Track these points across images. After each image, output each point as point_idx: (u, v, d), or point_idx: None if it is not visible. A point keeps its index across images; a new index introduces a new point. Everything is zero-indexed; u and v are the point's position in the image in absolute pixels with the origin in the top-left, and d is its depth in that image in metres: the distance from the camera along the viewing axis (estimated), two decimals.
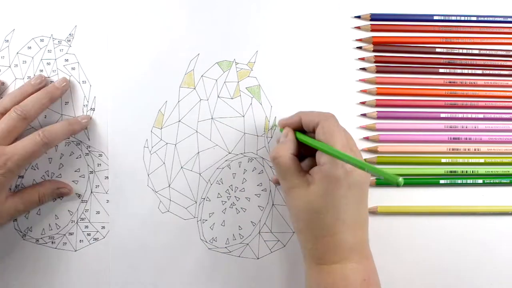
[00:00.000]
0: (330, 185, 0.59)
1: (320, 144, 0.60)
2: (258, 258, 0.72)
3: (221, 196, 0.71)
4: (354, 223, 0.60)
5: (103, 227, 0.71)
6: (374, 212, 0.72)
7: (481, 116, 0.72)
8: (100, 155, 0.70)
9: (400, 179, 0.50)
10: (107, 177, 0.71)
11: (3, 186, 0.63)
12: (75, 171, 0.70)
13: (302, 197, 0.60)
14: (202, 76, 0.71)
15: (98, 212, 0.71)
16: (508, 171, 0.72)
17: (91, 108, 0.70)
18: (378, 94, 0.72)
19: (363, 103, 0.72)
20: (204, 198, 0.71)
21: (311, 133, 0.63)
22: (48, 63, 0.70)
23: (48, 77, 0.70)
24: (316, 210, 0.60)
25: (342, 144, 0.60)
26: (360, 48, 0.72)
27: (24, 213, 0.69)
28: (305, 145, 0.63)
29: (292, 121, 0.65)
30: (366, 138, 0.72)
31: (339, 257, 0.60)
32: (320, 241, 0.60)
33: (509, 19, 0.73)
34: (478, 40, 0.72)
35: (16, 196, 0.67)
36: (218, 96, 0.71)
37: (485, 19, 0.72)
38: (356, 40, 0.72)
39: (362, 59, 0.72)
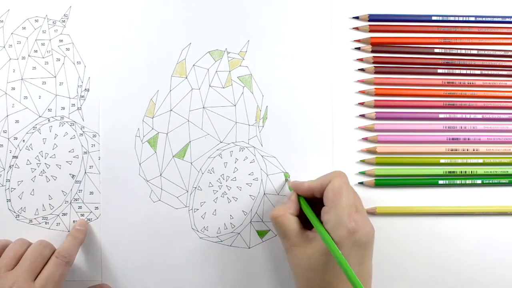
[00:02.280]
0: None
1: (315, 220, 0.61)
2: (249, 248, 0.71)
3: (213, 185, 0.71)
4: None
5: (97, 207, 0.71)
6: (373, 212, 0.71)
7: (479, 116, 0.72)
8: (94, 136, 0.71)
9: None
10: (100, 156, 0.71)
11: None
12: (69, 151, 0.71)
13: (302, 255, 0.61)
14: (193, 65, 0.72)
15: (91, 193, 0.71)
16: (507, 171, 0.72)
17: (85, 89, 0.71)
18: (376, 94, 0.72)
19: (361, 103, 0.72)
20: (196, 187, 0.71)
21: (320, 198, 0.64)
22: (43, 44, 0.71)
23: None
24: (316, 268, 0.60)
25: (348, 202, 0.60)
26: (358, 49, 0.72)
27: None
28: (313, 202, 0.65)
29: (303, 187, 0.65)
30: (365, 139, 0.72)
31: None
32: None
33: (507, 19, 0.72)
34: (477, 41, 0.72)
35: None
36: (209, 85, 0.72)
37: (484, 19, 0.72)
38: (355, 40, 0.72)
39: (361, 59, 0.72)
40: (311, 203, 0.65)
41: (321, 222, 0.61)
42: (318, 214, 0.62)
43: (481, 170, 0.72)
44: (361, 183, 0.72)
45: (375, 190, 0.72)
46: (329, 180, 0.62)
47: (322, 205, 0.62)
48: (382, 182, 0.72)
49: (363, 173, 0.72)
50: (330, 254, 0.59)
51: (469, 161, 0.72)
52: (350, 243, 0.58)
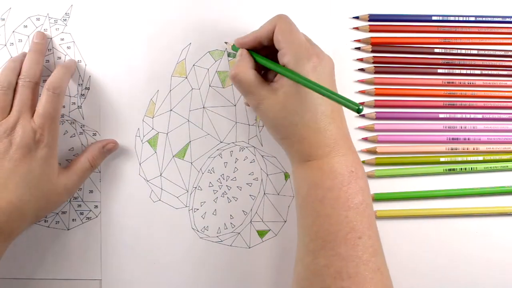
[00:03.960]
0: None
1: (275, 65, 0.61)
2: (249, 247, 0.71)
3: (213, 185, 0.71)
4: (331, 115, 0.60)
5: (96, 206, 0.71)
6: None
7: (479, 116, 0.72)
8: (94, 134, 0.71)
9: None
10: None
11: (51, 155, 0.65)
12: (69, 150, 0.71)
13: (274, 105, 0.60)
14: (193, 65, 0.72)
15: (91, 191, 0.71)
16: (507, 166, 0.72)
17: (86, 87, 0.71)
18: (376, 94, 0.72)
19: (361, 103, 0.72)
20: (196, 187, 0.71)
21: (270, 45, 0.63)
22: None
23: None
24: (293, 111, 0.59)
25: (301, 38, 0.61)
26: (358, 48, 0.72)
27: (80, 185, 0.69)
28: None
29: (248, 39, 0.64)
30: (365, 139, 0.72)
31: (326, 150, 0.59)
32: (305, 140, 0.60)
33: (507, 19, 0.73)
34: (477, 41, 0.72)
35: (68, 170, 0.67)
36: (209, 85, 0.72)
37: (484, 19, 0.72)
38: (355, 40, 0.72)
39: (361, 59, 0.72)
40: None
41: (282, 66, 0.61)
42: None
43: (481, 166, 0.71)
44: None
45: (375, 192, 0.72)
46: (274, 24, 0.61)
47: (273, 55, 0.62)
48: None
49: None
50: (301, 93, 0.59)
51: (469, 158, 0.72)
52: (316, 76, 0.59)
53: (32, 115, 0.64)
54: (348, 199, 0.58)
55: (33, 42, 0.69)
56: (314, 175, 0.59)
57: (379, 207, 0.71)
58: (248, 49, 0.64)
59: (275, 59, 0.62)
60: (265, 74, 0.65)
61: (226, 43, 0.71)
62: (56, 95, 0.65)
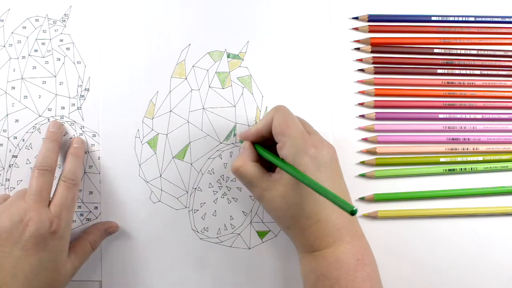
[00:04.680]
0: None
1: (276, 159, 0.61)
2: (249, 248, 0.71)
3: (213, 186, 0.71)
4: (332, 205, 0.58)
5: (96, 207, 0.71)
6: (375, 216, 0.71)
7: (479, 116, 0.72)
8: (94, 136, 0.71)
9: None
10: (100, 157, 0.71)
11: (63, 247, 0.64)
12: None
13: (276, 197, 0.60)
14: (193, 66, 0.72)
15: (91, 193, 0.71)
16: (507, 166, 0.72)
17: (85, 89, 0.71)
18: (376, 95, 0.72)
19: (361, 104, 0.72)
20: (196, 188, 0.71)
21: (272, 137, 0.63)
22: (43, 43, 0.71)
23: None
24: (293, 204, 0.60)
25: (298, 129, 0.61)
26: (358, 49, 0.72)
27: (80, 266, 0.67)
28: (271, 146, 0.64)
29: (249, 134, 0.65)
30: (365, 139, 0.72)
31: (329, 241, 0.59)
32: (307, 231, 0.60)
33: (507, 19, 0.73)
34: (476, 41, 0.72)
35: (71, 256, 0.66)
36: (209, 86, 0.72)
37: (483, 19, 0.73)
38: (354, 41, 0.72)
39: (360, 60, 0.72)
40: (266, 147, 0.64)
41: (282, 160, 0.61)
42: (276, 154, 0.62)
43: (481, 166, 0.71)
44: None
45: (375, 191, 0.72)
46: (271, 117, 0.62)
47: (274, 146, 0.63)
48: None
49: (363, 175, 0.72)
50: (301, 185, 0.59)
51: (469, 159, 0.71)
52: (315, 167, 0.59)
53: (48, 204, 0.63)
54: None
55: (49, 131, 0.69)
56: (320, 266, 0.59)
57: (380, 207, 0.71)
58: (252, 141, 0.65)
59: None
60: (270, 163, 0.64)
61: (235, 135, 0.72)
62: (73, 186, 0.65)
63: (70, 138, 0.71)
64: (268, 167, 0.64)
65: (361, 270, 0.59)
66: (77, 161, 0.68)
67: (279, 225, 0.64)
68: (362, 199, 0.71)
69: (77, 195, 0.66)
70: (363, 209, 0.71)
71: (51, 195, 0.64)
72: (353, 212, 0.50)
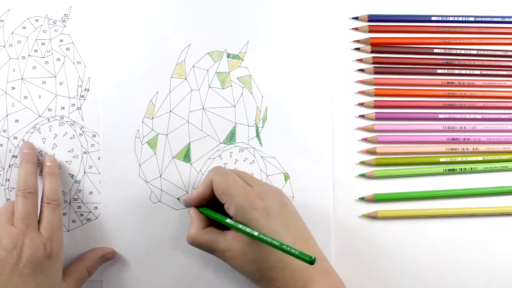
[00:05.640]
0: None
1: (224, 220, 0.62)
2: None
3: None
4: (295, 244, 0.59)
5: (96, 207, 0.71)
6: (374, 216, 0.71)
7: (479, 116, 0.72)
8: (94, 136, 0.71)
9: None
10: (100, 157, 0.71)
11: (58, 269, 0.63)
12: (69, 151, 0.71)
13: (237, 256, 0.61)
14: (193, 66, 0.72)
15: (91, 193, 0.71)
16: (507, 166, 0.72)
17: (85, 89, 0.71)
18: (376, 95, 0.72)
19: (361, 104, 0.72)
20: (196, 188, 0.70)
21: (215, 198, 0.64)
22: (43, 43, 0.71)
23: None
24: (255, 258, 0.60)
25: (238, 188, 0.62)
26: (358, 49, 0.72)
27: None
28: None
29: (191, 198, 0.66)
30: (365, 139, 0.72)
31: (300, 284, 0.60)
32: (276, 280, 0.60)
33: (507, 19, 0.73)
34: (476, 41, 0.73)
35: (67, 279, 0.65)
36: (209, 86, 0.72)
37: (483, 19, 0.73)
38: (354, 41, 0.72)
39: (360, 60, 0.72)
40: (214, 205, 0.65)
41: (231, 219, 0.62)
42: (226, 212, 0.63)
43: (480, 166, 0.71)
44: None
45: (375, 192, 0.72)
46: (210, 178, 0.63)
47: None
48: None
49: (363, 175, 0.72)
50: (255, 242, 0.60)
51: (469, 159, 0.72)
52: (265, 219, 0.60)
53: (37, 228, 0.63)
54: None
55: (23, 153, 0.68)
56: None
57: (380, 207, 0.71)
58: (197, 206, 0.66)
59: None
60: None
61: (178, 199, 0.72)
62: (57, 206, 0.65)
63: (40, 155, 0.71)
64: (219, 225, 0.64)
65: None
66: (55, 180, 0.68)
67: (250, 279, 0.63)
68: (362, 199, 0.71)
69: (62, 213, 0.66)
70: (363, 209, 0.71)
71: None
72: (312, 262, 0.51)
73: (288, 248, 0.54)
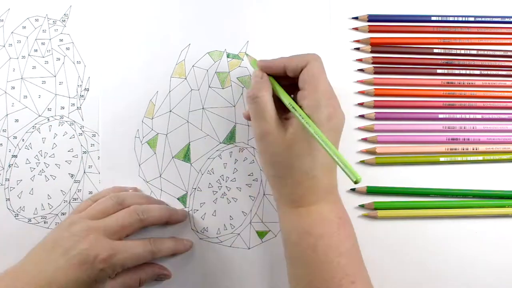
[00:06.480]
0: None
1: (292, 104, 0.59)
2: (249, 248, 0.71)
3: (212, 186, 0.71)
4: (329, 166, 0.60)
5: None
6: (374, 217, 0.71)
7: (479, 116, 0.72)
8: (94, 135, 0.71)
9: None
10: (100, 157, 0.71)
11: (103, 281, 0.62)
12: (68, 151, 0.71)
13: (280, 143, 0.59)
14: (193, 66, 0.72)
15: (90, 192, 0.71)
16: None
17: (85, 88, 0.71)
18: (376, 95, 0.72)
19: (361, 104, 0.72)
20: (195, 188, 0.71)
21: (295, 77, 0.62)
22: (43, 43, 0.71)
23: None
24: (296, 155, 0.59)
25: (326, 87, 0.60)
26: (358, 49, 0.72)
27: None
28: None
29: (274, 65, 0.63)
30: (365, 139, 0.72)
31: (316, 198, 0.59)
32: (298, 185, 0.60)
33: (506, 19, 0.73)
34: (476, 41, 0.73)
35: (117, 281, 0.64)
36: (209, 86, 0.72)
37: (483, 19, 0.73)
38: (354, 41, 0.72)
39: (360, 60, 0.72)
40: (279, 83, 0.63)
41: (299, 107, 0.60)
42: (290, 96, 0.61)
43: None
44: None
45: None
46: (306, 62, 0.60)
47: (292, 87, 0.62)
48: (375, 190, 0.72)
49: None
50: (309, 139, 0.58)
51: (468, 158, 0.71)
52: (327, 128, 0.58)
53: (115, 238, 0.62)
54: (339, 245, 0.58)
55: (175, 210, 0.70)
56: (304, 222, 0.59)
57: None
58: (269, 74, 0.63)
59: (291, 91, 0.62)
60: (277, 104, 0.62)
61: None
62: (150, 251, 0.65)
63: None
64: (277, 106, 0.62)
65: (343, 229, 0.59)
66: (169, 240, 0.68)
67: (269, 171, 0.62)
68: (362, 206, 0.71)
69: (148, 260, 0.65)
70: (362, 209, 0.71)
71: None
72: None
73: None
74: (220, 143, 0.71)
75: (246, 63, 0.72)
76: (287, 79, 0.63)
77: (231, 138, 0.71)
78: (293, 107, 0.59)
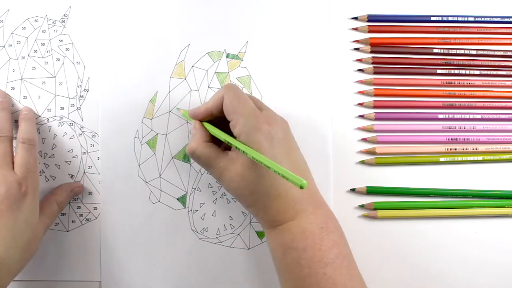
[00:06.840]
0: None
1: (229, 138, 0.60)
2: (249, 248, 0.71)
3: (212, 186, 0.71)
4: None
5: (95, 207, 0.71)
6: (374, 217, 0.71)
7: (479, 116, 0.72)
8: (93, 136, 0.71)
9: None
10: (100, 157, 0.72)
11: (35, 208, 0.64)
12: (68, 151, 0.71)
13: (234, 176, 0.60)
14: (192, 66, 0.72)
15: (90, 193, 0.71)
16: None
17: (85, 89, 0.71)
18: (376, 95, 0.72)
19: (361, 104, 0.72)
20: (195, 189, 0.71)
21: (222, 116, 0.63)
22: (43, 44, 0.71)
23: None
24: (252, 182, 0.59)
25: (250, 107, 0.61)
26: (357, 49, 0.72)
27: (50, 226, 0.69)
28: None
29: (199, 112, 0.64)
30: (364, 139, 0.72)
31: (292, 214, 0.59)
32: (268, 208, 0.60)
33: (506, 19, 0.73)
34: (476, 41, 0.73)
35: (40, 215, 0.66)
36: (208, 87, 0.72)
37: (482, 19, 0.73)
38: (354, 41, 0.72)
39: (360, 60, 0.72)
40: (217, 126, 0.64)
41: (234, 137, 0.61)
42: (228, 133, 0.62)
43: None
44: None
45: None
46: (222, 95, 0.62)
47: (226, 124, 0.62)
48: (375, 190, 0.72)
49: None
50: (255, 165, 0.59)
51: (468, 159, 0.71)
52: (269, 144, 0.59)
53: (12, 167, 0.64)
54: (323, 256, 0.58)
55: (24, 109, 0.70)
56: (286, 239, 0.59)
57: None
58: (202, 121, 0.65)
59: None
60: (222, 142, 0.63)
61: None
62: (32, 146, 0.65)
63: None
64: (219, 145, 0.64)
65: (327, 238, 0.59)
66: (30, 123, 0.68)
67: (241, 203, 0.63)
68: (361, 206, 0.71)
69: (37, 154, 0.67)
70: (362, 209, 0.71)
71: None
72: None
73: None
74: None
75: (246, 63, 0.72)
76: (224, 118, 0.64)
77: None
78: (228, 142, 0.60)
